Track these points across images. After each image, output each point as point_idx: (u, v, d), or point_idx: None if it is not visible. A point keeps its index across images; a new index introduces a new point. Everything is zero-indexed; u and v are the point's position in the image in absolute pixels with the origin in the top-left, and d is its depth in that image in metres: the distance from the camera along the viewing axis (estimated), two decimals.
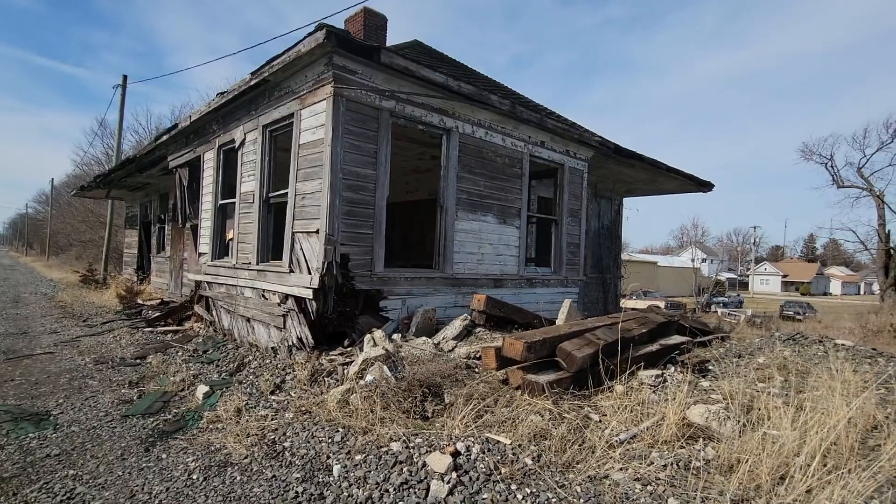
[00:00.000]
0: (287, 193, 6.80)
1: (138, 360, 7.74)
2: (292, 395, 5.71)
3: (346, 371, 5.96)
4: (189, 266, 14.01)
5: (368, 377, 5.54)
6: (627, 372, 5.50)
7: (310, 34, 5.64)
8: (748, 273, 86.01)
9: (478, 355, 6.23)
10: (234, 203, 8.45)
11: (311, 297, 6.03)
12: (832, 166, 43.66)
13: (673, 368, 6.71)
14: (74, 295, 16.89)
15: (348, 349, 6.50)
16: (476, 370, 5.83)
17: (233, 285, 8.11)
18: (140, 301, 14.32)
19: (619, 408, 4.75)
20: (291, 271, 6.50)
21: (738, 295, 43.71)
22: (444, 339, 6.53)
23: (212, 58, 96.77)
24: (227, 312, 8.28)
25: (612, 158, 10.27)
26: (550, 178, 9.33)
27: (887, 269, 41.78)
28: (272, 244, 7.55)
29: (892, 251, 41.36)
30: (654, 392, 5.43)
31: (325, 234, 5.94)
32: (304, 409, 5.20)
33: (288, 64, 6.12)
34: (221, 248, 8.99)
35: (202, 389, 5.90)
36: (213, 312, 8.75)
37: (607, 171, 11.38)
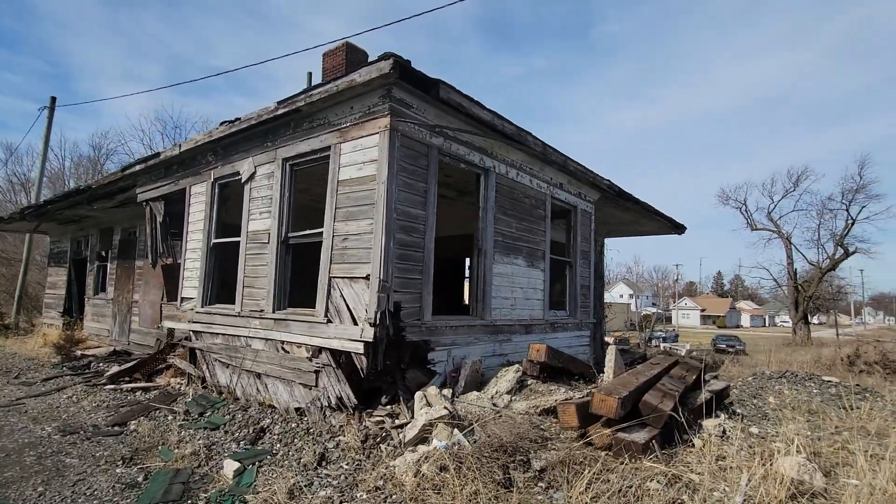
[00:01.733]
0: (319, 234, 6.12)
1: (118, 428, 6.54)
2: (344, 466, 4.94)
3: (401, 435, 5.28)
4: (142, 310, 12.47)
5: (436, 442, 4.92)
6: (694, 422, 5.31)
7: (371, 62, 5.19)
8: (669, 308, 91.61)
9: (538, 411, 5.78)
10: (234, 242, 7.55)
11: (360, 351, 5.34)
12: (745, 210, 48.16)
13: (723, 416, 6.60)
14: None
15: (387, 407, 5.82)
16: (542, 428, 5.37)
17: (234, 335, 7.13)
18: (80, 352, 12.47)
19: (709, 465, 4.51)
20: (329, 321, 5.77)
21: (674, 329, 46.17)
22: (496, 393, 6.03)
23: (129, 83, 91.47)
24: (226, 367, 7.24)
25: (612, 201, 10.41)
26: (562, 219, 9.24)
27: (797, 304, 45.96)
28: (289, 290, 6.75)
29: (799, 288, 45.69)
30: (723, 442, 5.25)
31: (379, 279, 5.33)
32: (373, 486, 4.48)
33: (334, 94, 5.60)
34: (213, 292, 7.97)
35: (231, 465, 4.97)
36: (204, 367, 7.65)
37: (600, 213, 11.53)
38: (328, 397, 5.70)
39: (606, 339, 15.80)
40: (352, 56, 13.59)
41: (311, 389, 5.92)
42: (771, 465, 4.70)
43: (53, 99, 20.92)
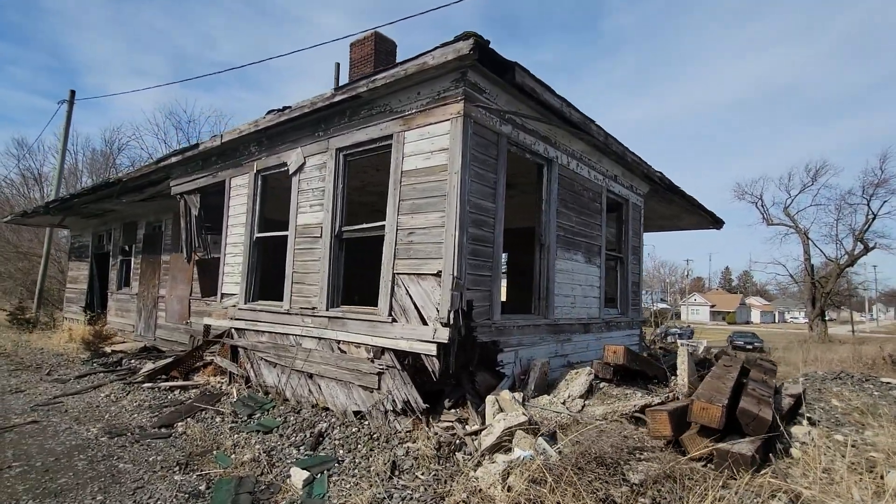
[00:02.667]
0: (379, 227, 5.79)
1: (164, 430, 6.26)
2: (420, 476, 4.63)
3: (476, 443, 4.96)
4: (168, 306, 12.22)
5: (518, 452, 4.59)
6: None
7: (446, 43, 4.83)
8: (678, 304, 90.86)
9: (616, 417, 5.44)
10: (279, 237, 7.24)
11: (433, 353, 5.01)
12: (762, 205, 47.45)
13: (805, 422, 6.25)
14: (12, 339, 14.30)
15: (452, 411, 5.50)
16: (627, 436, 5.02)
17: (283, 334, 6.83)
18: (109, 348, 12.25)
19: (818, 479, 4.17)
20: (394, 321, 5.44)
21: (689, 326, 45.63)
22: (569, 397, 5.69)
23: (134, 78, 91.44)
24: (272, 366, 6.95)
25: (658, 195, 10.02)
26: (613, 212, 8.86)
27: (814, 301, 45.30)
28: (342, 286, 6.43)
29: (817, 284, 45.03)
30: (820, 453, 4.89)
31: (452, 277, 5.00)
32: (459, 500, 4.17)
33: (401, 78, 5.24)
34: (257, 288, 7.67)
35: (299, 474, 4.66)
36: (248, 366, 7.35)
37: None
38: (392, 401, 5.38)
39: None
40: (381, 46, 13.24)
41: (372, 392, 5.61)
42: (881, 478, 4.36)
43: (73, 93, 20.67)
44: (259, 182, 7.68)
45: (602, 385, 5.89)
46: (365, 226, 6.04)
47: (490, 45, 4.75)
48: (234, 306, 7.75)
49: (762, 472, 4.33)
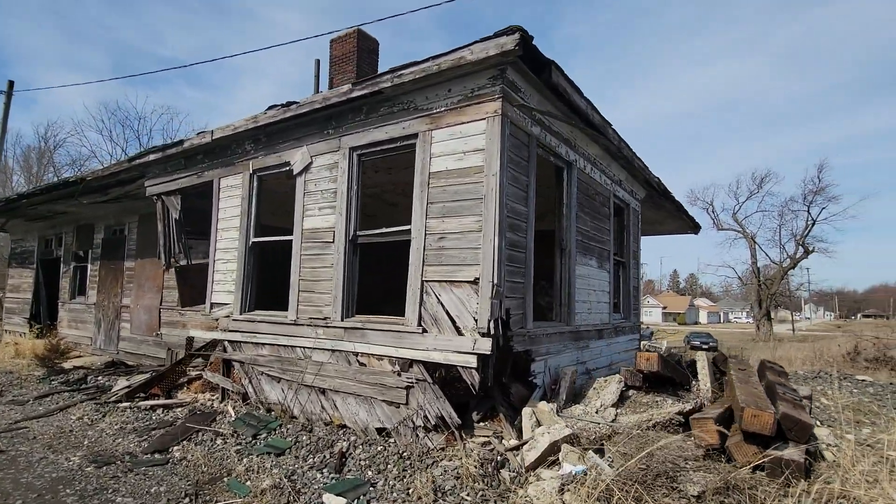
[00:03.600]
0: (403, 232, 5.46)
1: (159, 456, 5.68)
2: (466, 498, 4.33)
3: (519, 458, 4.71)
4: (134, 316, 11.33)
5: (569, 467, 4.39)
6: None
7: (486, 38, 4.58)
8: None
9: (650, 425, 5.32)
10: (280, 242, 6.75)
11: (472, 365, 4.72)
12: (712, 211, 49.79)
13: (816, 422, 6.39)
14: None
15: (482, 424, 5.24)
16: (670, 446, 4.91)
17: (288, 346, 6.34)
18: (68, 363, 11.19)
19: (862, 482, 4.18)
20: (424, 331, 5.11)
21: (647, 327, 47.15)
22: (601, 406, 5.53)
23: (70, 70, 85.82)
24: (276, 381, 6.44)
25: (651, 200, 10.13)
26: (616, 217, 8.85)
27: (760, 302, 47.80)
28: (357, 295, 6.03)
29: (763, 286, 47.59)
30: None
31: (492, 284, 4.73)
32: None
33: (433, 73, 4.95)
34: (253, 297, 7.12)
35: (335, 501, 4.26)
36: (246, 381, 6.80)
37: None
38: (424, 416, 5.05)
39: None
40: (363, 43, 12.86)
41: (399, 408, 5.25)
42: None
43: (11, 84, 19.04)
44: (255, 183, 7.15)
45: (630, 392, 5.77)
46: (385, 230, 5.68)
47: (534, 41, 4.54)
48: (228, 317, 7.16)
49: (809, 477, 4.30)
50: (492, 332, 4.69)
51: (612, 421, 5.39)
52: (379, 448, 5.21)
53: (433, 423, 5.00)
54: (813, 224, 42.95)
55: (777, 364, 8.09)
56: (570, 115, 5.89)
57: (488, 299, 4.72)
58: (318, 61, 13.71)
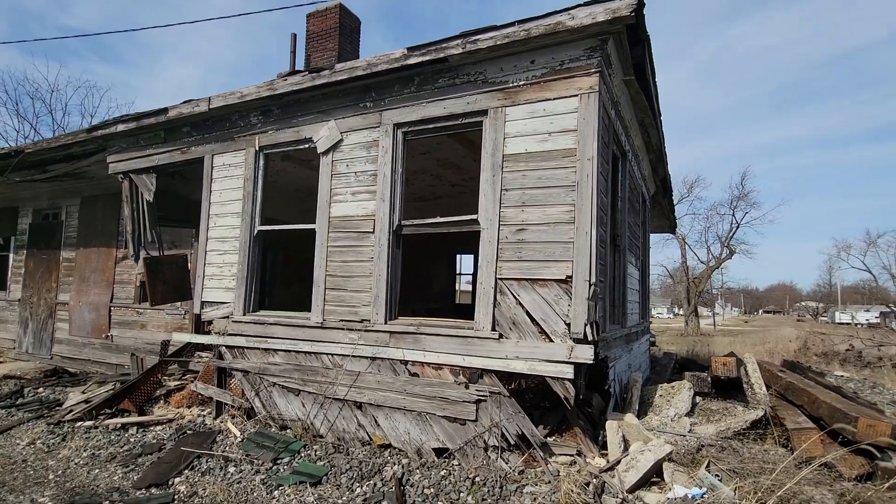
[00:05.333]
0: (469, 222, 4.75)
1: (156, 491, 4.66)
2: None
3: (616, 480, 4.18)
4: (75, 315, 9.72)
5: (681, 489, 3.94)
6: None
7: (591, 1, 3.98)
8: None
9: (729, 434, 5.00)
10: (298, 232, 5.81)
11: (567, 375, 4.12)
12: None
13: None
14: None
15: (552, 440, 4.68)
16: (767, 460, 4.59)
17: (312, 353, 5.42)
18: None
19: None
20: (501, 336, 4.44)
21: None
22: (675, 415, 5.14)
23: None
24: (294, 394, 5.50)
25: (653, 198, 10.01)
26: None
27: (689, 299, 50.78)
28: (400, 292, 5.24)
29: (692, 284, 50.56)
30: None
31: (588, 283, 4.16)
32: None
33: (518, 41, 4.29)
34: (258, 296, 6.10)
35: None
36: (252, 394, 5.78)
37: None
38: (499, 434, 4.40)
39: None
40: (346, 20, 11.96)
41: (465, 425, 4.55)
42: None
43: None
44: (261, 161, 6.11)
45: (698, 400, 5.44)
46: (441, 220, 4.94)
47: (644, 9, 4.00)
48: (226, 318, 6.08)
49: None
50: (589, 337, 4.12)
51: (690, 431, 5.01)
52: (442, 473, 4.48)
53: (513, 441, 4.36)
54: (737, 227, 46.12)
55: (810, 368, 8.13)
56: (637, 99, 5.44)
57: (585, 300, 4.14)
58: (294, 35, 12.44)
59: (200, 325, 6.41)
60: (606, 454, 4.52)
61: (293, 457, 5.03)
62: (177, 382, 6.93)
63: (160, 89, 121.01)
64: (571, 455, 4.44)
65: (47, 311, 10.57)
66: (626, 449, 4.48)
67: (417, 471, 4.57)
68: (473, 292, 15.25)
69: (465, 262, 14.38)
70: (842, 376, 11.13)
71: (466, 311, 13.22)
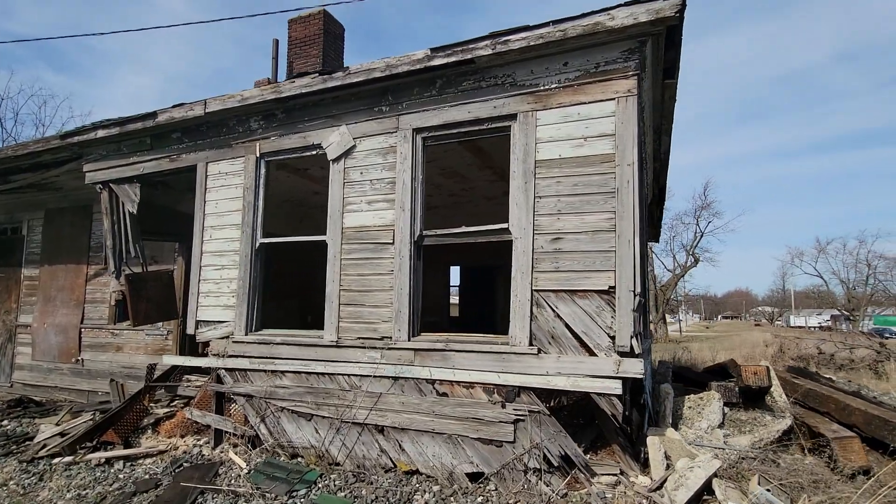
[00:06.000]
0: (499, 231, 4.52)
1: None
2: None
3: (667, 500, 3.98)
4: (39, 338, 8.96)
5: None
6: None
7: (631, 1, 3.85)
8: None
9: (763, 445, 4.89)
10: (303, 244, 5.44)
11: (615, 391, 3.91)
12: None
13: None
14: None
15: (587, 458, 4.46)
16: (814, 471, 4.50)
17: (325, 374, 5.04)
18: None
19: None
20: (540, 351, 4.20)
21: None
22: (708, 427, 5.00)
23: None
24: (305, 420, 5.10)
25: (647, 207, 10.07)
26: None
27: (657, 306, 51.84)
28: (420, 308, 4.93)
29: (660, 292, 51.78)
30: None
31: (633, 293, 3.98)
32: None
33: (553, 41, 4.12)
34: (260, 314, 5.67)
35: None
36: (257, 420, 5.33)
37: None
38: (541, 456, 4.13)
39: None
40: (330, 26, 11.71)
41: (502, 447, 4.27)
42: None
43: None
44: (262, 169, 5.72)
45: (726, 410, 5.32)
46: (468, 229, 4.68)
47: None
48: (226, 339, 5.61)
49: None
50: (636, 350, 3.93)
51: (724, 443, 4.87)
52: (479, 500, 4.18)
53: (556, 463, 4.10)
54: (701, 236, 47.61)
55: (822, 375, 8.18)
56: (662, 104, 5.37)
57: (630, 312, 3.96)
58: (276, 41, 12.03)
59: (195, 347, 5.91)
60: (648, 472, 4.32)
61: (310, 488, 4.62)
62: (166, 410, 6.37)
63: (115, 99, 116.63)
64: (615, 475, 4.22)
65: (6, 335, 9.69)
66: (668, 466, 4.30)
67: (451, 498, 4.25)
68: (462, 305, 15.01)
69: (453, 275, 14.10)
70: (831, 378, 11.39)
71: (461, 325, 12.98)
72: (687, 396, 5.37)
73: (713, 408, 5.10)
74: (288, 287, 9.47)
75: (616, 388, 3.90)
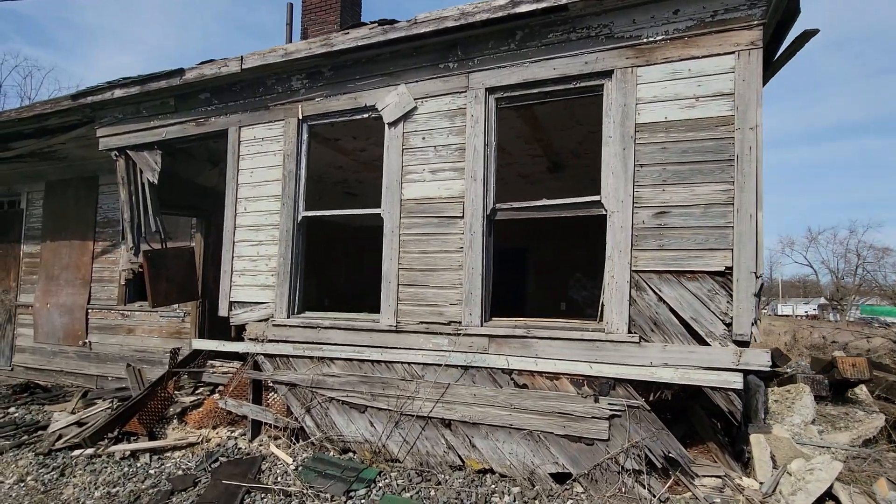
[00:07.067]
0: (590, 204, 4.01)
1: None
2: None
3: None
4: (42, 319, 8.36)
5: None
6: None
7: None
8: None
9: (861, 442, 4.49)
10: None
11: (735, 385, 3.45)
12: None
13: None
14: None
15: (687, 457, 4.02)
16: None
17: (382, 362, 4.54)
18: None
19: None
20: (642, 339, 3.73)
21: None
22: (802, 423, 4.59)
23: None
24: (358, 412, 4.60)
25: None
26: None
27: None
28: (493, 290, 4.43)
29: None
30: None
31: (755, 275, 3.50)
32: None
33: None
34: (302, 295, 5.13)
35: None
36: (301, 411, 4.83)
37: None
38: (640, 456, 3.68)
39: None
40: None
41: (593, 445, 3.81)
42: None
43: None
44: (305, 134, 5.13)
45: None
46: (547, 202, 4.16)
47: None
48: (265, 322, 5.07)
49: None
50: (757, 339, 3.47)
51: (822, 441, 4.46)
52: (569, 503, 3.73)
53: (660, 464, 3.66)
54: None
55: (877, 360, 7.82)
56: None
57: (751, 296, 3.48)
58: (290, 5, 11.28)
59: (218, 329, 5.38)
60: (750, 473, 3.90)
61: (369, 487, 4.15)
62: (192, 398, 5.84)
63: (96, 77, 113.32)
64: (719, 476, 3.79)
65: (5, 315, 9.05)
66: (774, 466, 3.87)
67: (535, 501, 3.79)
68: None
69: None
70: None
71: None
72: (771, 389, 4.96)
73: (805, 402, 4.69)
74: (310, 266, 8.93)
75: (736, 381, 3.44)
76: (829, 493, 3.55)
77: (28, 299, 8.85)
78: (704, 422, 4.14)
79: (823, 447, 4.14)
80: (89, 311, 8.22)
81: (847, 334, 16.97)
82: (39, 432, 5.75)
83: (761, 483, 3.76)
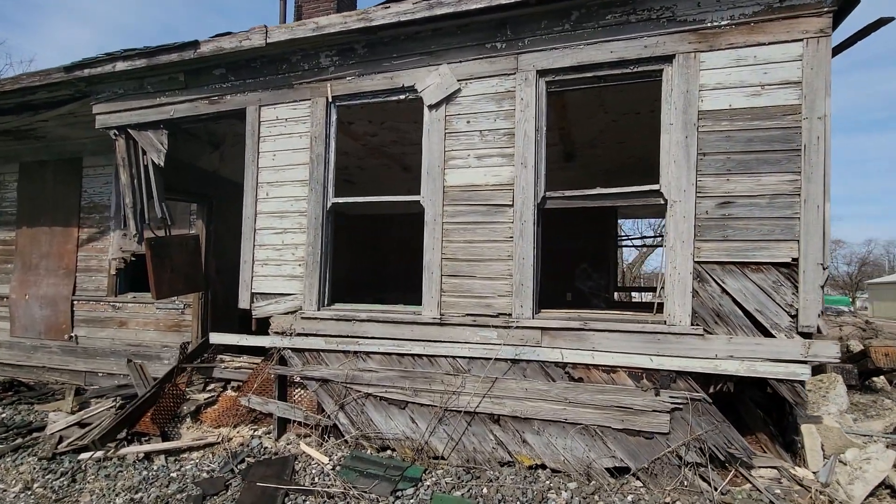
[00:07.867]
0: (648, 193, 3.90)
1: None
2: None
3: (843, 495, 3.59)
4: (21, 311, 7.82)
5: None
6: None
7: None
8: None
9: (892, 430, 4.60)
10: (392, 206, 4.65)
11: (804, 377, 3.43)
12: None
13: None
14: None
15: (749, 450, 4.03)
16: None
17: (425, 356, 4.35)
18: None
19: None
20: (706, 332, 3.67)
21: None
22: (838, 412, 4.66)
23: None
24: (398, 408, 4.41)
25: None
26: None
27: (625, 283, 53.11)
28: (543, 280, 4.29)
29: (626, 270, 52.88)
30: None
31: (822, 267, 3.48)
32: None
33: None
34: (330, 286, 4.87)
35: None
36: (334, 408, 4.60)
37: None
38: (703, 449, 3.64)
39: None
40: None
41: (652, 439, 3.75)
42: None
43: None
44: (333, 116, 4.84)
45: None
46: (603, 191, 4.03)
47: None
48: (292, 314, 4.79)
49: None
50: (823, 331, 3.45)
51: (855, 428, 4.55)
52: (629, 499, 3.66)
53: (722, 457, 3.62)
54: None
55: None
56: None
57: (818, 288, 3.46)
58: None
59: (222, 322, 5.08)
60: (801, 463, 3.93)
61: (416, 487, 3.98)
62: (205, 395, 5.51)
63: (46, 53, 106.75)
64: (774, 467, 3.79)
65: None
66: (825, 457, 3.91)
67: (595, 496, 3.71)
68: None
69: None
70: None
71: None
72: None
73: (838, 391, 4.76)
74: None
75: (804, 373, 3.42)
76: (884, 482, 3.60)
77: (3, 290, 8.21)
78: (754, 412, 4.14)
79: (868, 436, 4.21)
80: (75, 302, 7.68)
81: (849, 328, 17.69)
82: (35, 434, 5.32)
83: (815, 473, 3.78)
